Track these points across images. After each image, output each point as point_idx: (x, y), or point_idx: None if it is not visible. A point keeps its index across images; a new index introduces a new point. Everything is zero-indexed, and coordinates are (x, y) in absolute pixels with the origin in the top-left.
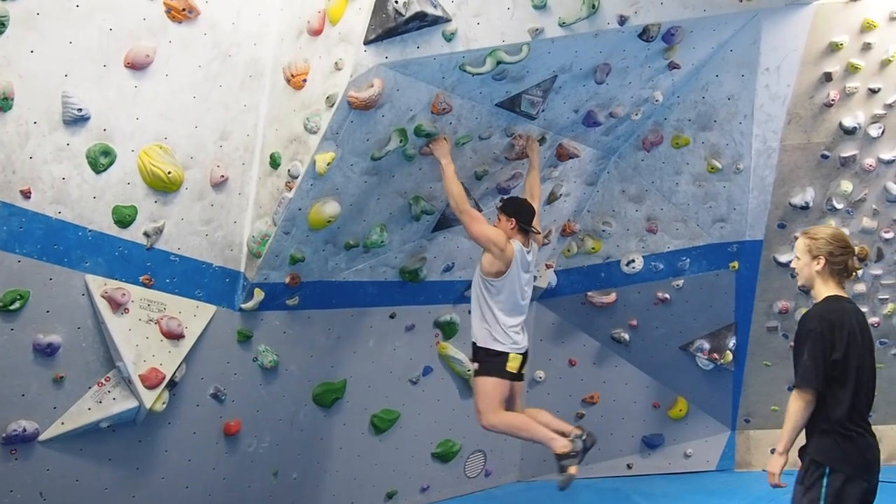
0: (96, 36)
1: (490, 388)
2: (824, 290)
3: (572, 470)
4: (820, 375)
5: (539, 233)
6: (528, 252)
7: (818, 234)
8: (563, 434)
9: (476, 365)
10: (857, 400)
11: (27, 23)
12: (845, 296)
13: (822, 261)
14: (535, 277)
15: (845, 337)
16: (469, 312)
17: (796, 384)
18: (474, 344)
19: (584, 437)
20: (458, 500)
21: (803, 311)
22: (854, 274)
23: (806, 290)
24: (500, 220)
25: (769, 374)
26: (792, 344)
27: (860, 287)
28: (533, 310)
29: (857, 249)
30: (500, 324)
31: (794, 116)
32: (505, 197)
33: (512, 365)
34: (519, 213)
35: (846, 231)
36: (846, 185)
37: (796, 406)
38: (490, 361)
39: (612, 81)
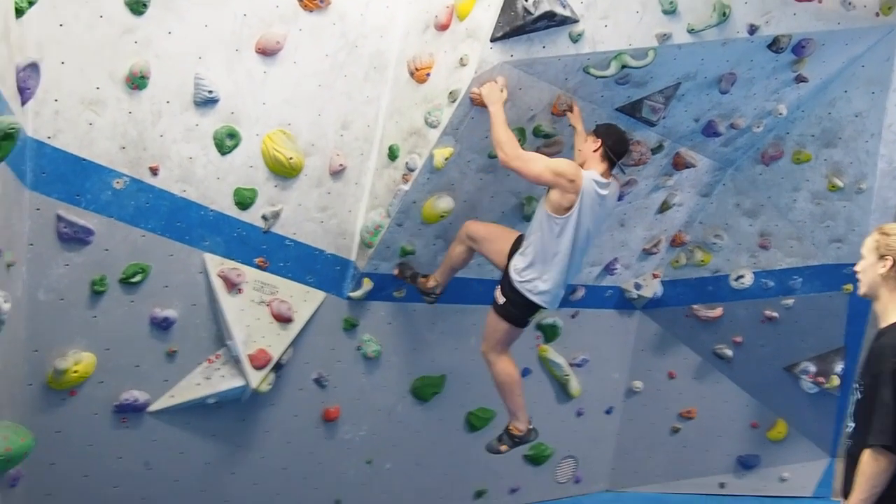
0: (230, 21)
1: (503, 331)
2: (892, 304)
3: (504, 448)
4: None
5: (624, 171)
6: (606, 189)
7: (893, 231)
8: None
9: (502, 299)
10: None
11: (167, 5)
12: None
13: (890, 263)
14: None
15: None
16: (572, 317)
17: (874, 440)
18: (509, 276)
19: (533, 436)
20: None
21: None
22: None
23: (868, 301)
24: (585, 142)
25: None
26: (861, 383)
27: None
28: (636, 319)
29: None
30: (551, 273)
31: None
32: (604, 122)
33: (535, 319)
34: (608, 136)
35: None
36: None
37: (876, 468)
38: (515, 307)
39: (737, 92)
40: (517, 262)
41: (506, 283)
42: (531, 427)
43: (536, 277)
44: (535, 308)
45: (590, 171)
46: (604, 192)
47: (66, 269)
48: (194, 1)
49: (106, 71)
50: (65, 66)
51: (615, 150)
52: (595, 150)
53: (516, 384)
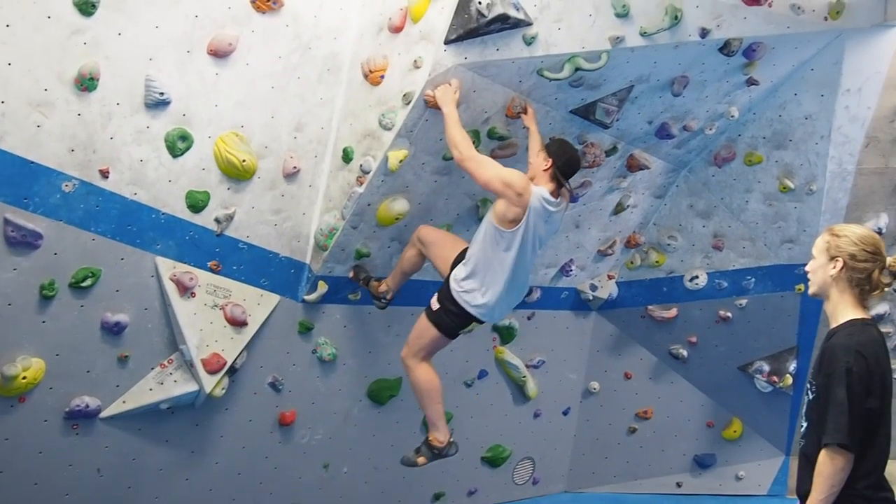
0: (182, 22)
1: (431, 338)
2: (841, 305)
3: (421, 461)
4: (857, 429)
5: (571, 191)
6: (555, 207)
7: (842, 232)
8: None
9: (436, 305)
10: (885, 457)
11: (116, 5)
12: (870, 318)
13: (840, 264)
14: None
15: (879, 379)
16: (528, 318)
17: (831, 439)
18: (449, 283)
19: (453, 450)
20: None
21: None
22: (881, 290)
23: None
24: (537, 156)
25: None
26: (813, 382)
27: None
28: (592, 320)
29: (889, 260)
30: (491, 286)
31: (872, 140)
32: (556, 137)
33: (467, 331)
34: (559, 156)
35: None
36: None
37: (833, 467)
38: (449, 315)
39: (689, 94)
40: (458, 272)
41: (444, 290)
42: (452, 440)
43: (476, 289)
44: (468, 320)
45: (539, 187)
46: (552, 209)
47: (14, 274)
48: (145, 1)
49: (54, 72)
50: (12, 68)
51: (564, 171)
52: (545, 170)
53: (437, 392)
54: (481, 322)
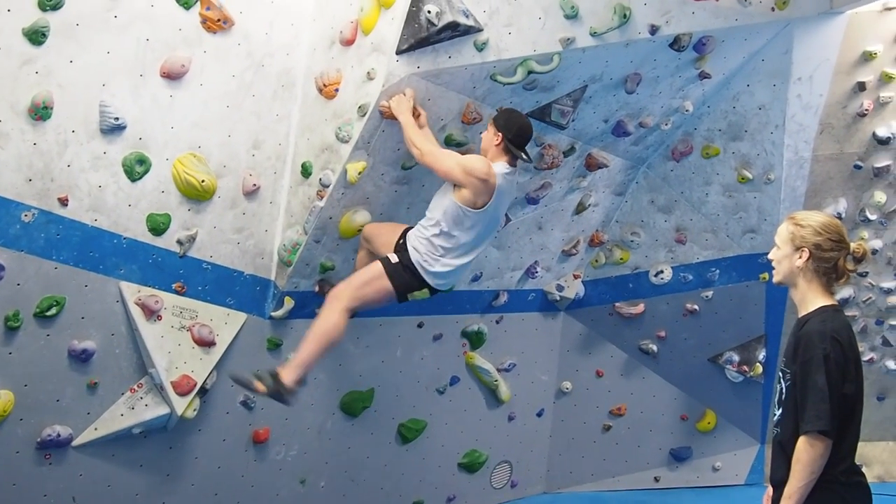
0: (133, 46)
1: (378, 288)
2: (810, 293)
3: (260, 387)
4: (836, 415)
5: (529, 160)
6: (513, 177)
7: (805, 221)
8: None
9: (395, 258)
10: (857, 441)
11: (67, 33)
12: (837, 304)
13: (807, 254)
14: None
15: (854, 364)
16: (497, 322)
17: (811, 427)
18: (404, 247)
19: (292, 399)
20: None
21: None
22: (846, 277)
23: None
24: (487, 131)
25: None
26: (788, 370)
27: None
28: (560, 320)
29: (852, 246)
30: (447, 258)
31: (826, 126)
32: (502, 108)
33: (415, 295)
34: (508, 128)
35: (879, 244)
36: (880, 196)
37: (813, 454)
38: (407, 273)
39: (643, 91)
40: (418, 245)
41: (402, 251)
42: (296, 389)
43: (435, 260)
44: (421, 285)
45: (497, 163)
46: (512, 178)
47: None
48: (95, 28)
49: (7, 103)
50: None
51: (516, 142)
52: (497, 145)
53: (330, 345)
54: (433, 291)
